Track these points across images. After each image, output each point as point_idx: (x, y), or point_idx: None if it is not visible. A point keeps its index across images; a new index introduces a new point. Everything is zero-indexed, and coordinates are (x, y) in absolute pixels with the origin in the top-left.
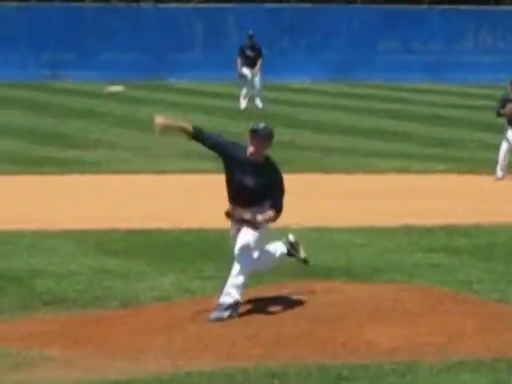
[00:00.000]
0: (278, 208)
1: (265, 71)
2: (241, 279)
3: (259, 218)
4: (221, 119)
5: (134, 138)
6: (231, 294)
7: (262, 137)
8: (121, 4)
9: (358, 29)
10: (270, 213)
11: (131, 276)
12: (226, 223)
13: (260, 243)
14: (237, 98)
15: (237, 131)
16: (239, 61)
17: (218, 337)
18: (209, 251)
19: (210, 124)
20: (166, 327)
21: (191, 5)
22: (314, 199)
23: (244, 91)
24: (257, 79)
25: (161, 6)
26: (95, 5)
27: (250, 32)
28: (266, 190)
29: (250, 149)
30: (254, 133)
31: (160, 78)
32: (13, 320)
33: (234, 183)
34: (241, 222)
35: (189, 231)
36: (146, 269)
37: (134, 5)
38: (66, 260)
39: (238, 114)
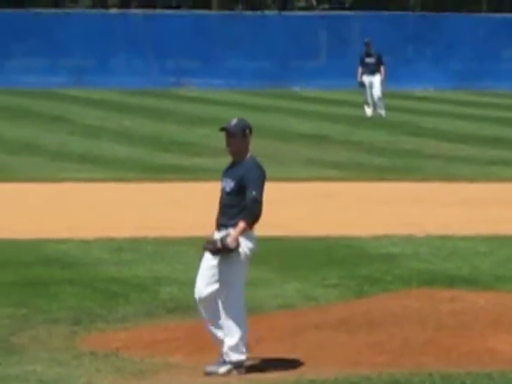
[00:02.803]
0: (249, 206)
1: (388, 79)
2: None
3: (228, 240)
4: (345, 127)
5: (258, 145)
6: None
7: (233, 133)
8: (246, 12)
9: (482, 37)
10: (241, 224)
11: (255, 283)
12: (350, 231)
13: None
14: (361, 105)
15: (359, 139)
16: (360, 70)
17: (343, 345)
18: (333, 259)
19: (335, 132)
20: (290, 335)
21: (316, 12)
22: (438, 207)
23: (367, 99)
24: (376, 88)
25: (285, 13)
26: (221, 13)
27: (366, 40)
28: (238, 193)
29: (227, 149)
30: (225, 130)
31: (284, 85)
32: (136, 327)
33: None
34: (211, 251)
35: (313, 239)
36: (271, 276)
37: (259, 12)
38: (190, 267)
39: (363, 121)
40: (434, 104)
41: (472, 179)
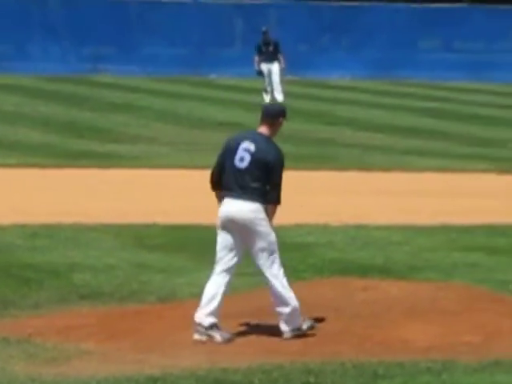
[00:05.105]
0: (276, 190)
1: (304, 67)
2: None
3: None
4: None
5: (174, 132)
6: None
7: None
8: None
9: (399, 27)
10: (274, 209)
11: (170, 271)
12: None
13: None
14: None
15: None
16: (257, 58)
17: (256, 333)
18: None
19: (250, 120)
20: None
21: (232, 1)
22: (353, 196)
23: (266, 86)
24: (274, 74)
25: (202, 0)
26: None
27: (264, 28)
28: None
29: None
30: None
31: (201, 73)
32: (49, 313)
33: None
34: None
35: None
36: (185, 264)
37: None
38: (104, 254)
39: None
40: (350, 93)
41: (387, 169)
